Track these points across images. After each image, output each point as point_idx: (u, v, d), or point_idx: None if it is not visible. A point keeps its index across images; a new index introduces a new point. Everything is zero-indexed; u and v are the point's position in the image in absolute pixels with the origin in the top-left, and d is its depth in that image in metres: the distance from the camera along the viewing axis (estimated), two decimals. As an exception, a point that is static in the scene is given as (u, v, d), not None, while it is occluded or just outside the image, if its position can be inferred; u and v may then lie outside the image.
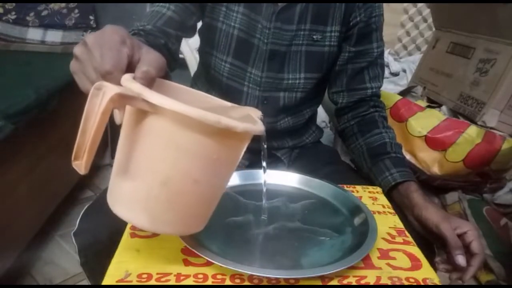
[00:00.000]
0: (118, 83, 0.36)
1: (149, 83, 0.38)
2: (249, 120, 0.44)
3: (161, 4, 0.71)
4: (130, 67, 0.39)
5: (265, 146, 0.52)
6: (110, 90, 0.34)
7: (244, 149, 0.42)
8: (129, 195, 0.39)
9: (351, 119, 0.81)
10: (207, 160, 0.38)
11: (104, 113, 0.34)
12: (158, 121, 0.36)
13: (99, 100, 0.34)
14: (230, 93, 0.77)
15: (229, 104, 0.49)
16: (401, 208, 0.66)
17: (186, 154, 0.37)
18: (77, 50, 0.39)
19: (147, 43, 0.58)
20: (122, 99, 0.35)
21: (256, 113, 0.46)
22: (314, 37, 0.74)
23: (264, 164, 0.56)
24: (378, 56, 0.79)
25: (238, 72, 0.76)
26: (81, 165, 0.36)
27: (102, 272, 0.43)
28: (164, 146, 0.37)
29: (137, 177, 0.38)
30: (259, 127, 0.40)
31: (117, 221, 0.40)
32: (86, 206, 0.65)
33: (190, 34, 0.77)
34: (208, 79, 0.82)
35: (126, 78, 0.37)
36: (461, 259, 0.55)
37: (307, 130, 0.88)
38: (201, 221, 0.43)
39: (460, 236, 0.57)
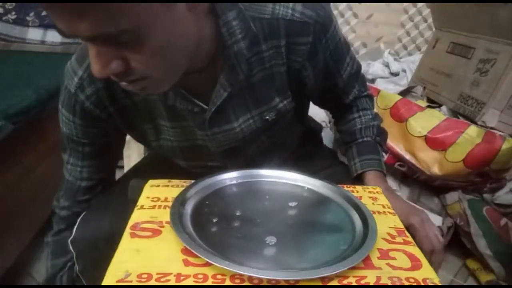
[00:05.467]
0: None
1: None
2: None
3: (73, 174, 0.67)
4: None
5: None
6: None
7: None
8: None
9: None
10: None
11: None
12: None
13: None
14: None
15: None
16: None
17: None
18: None
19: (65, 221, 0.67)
20: None
21: None
22: (268, 117, 0.64)
23: None
24: (348, 76, 0.70)
25: (197, 165, 0.70)
26: None
27: (100, 280, 0.42)
28: None
29: None
30: None
31: (115, 228, 0.39)
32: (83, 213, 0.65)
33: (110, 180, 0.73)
34: None
35: None
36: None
37: (301, 140, 0.80)
38: None
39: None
